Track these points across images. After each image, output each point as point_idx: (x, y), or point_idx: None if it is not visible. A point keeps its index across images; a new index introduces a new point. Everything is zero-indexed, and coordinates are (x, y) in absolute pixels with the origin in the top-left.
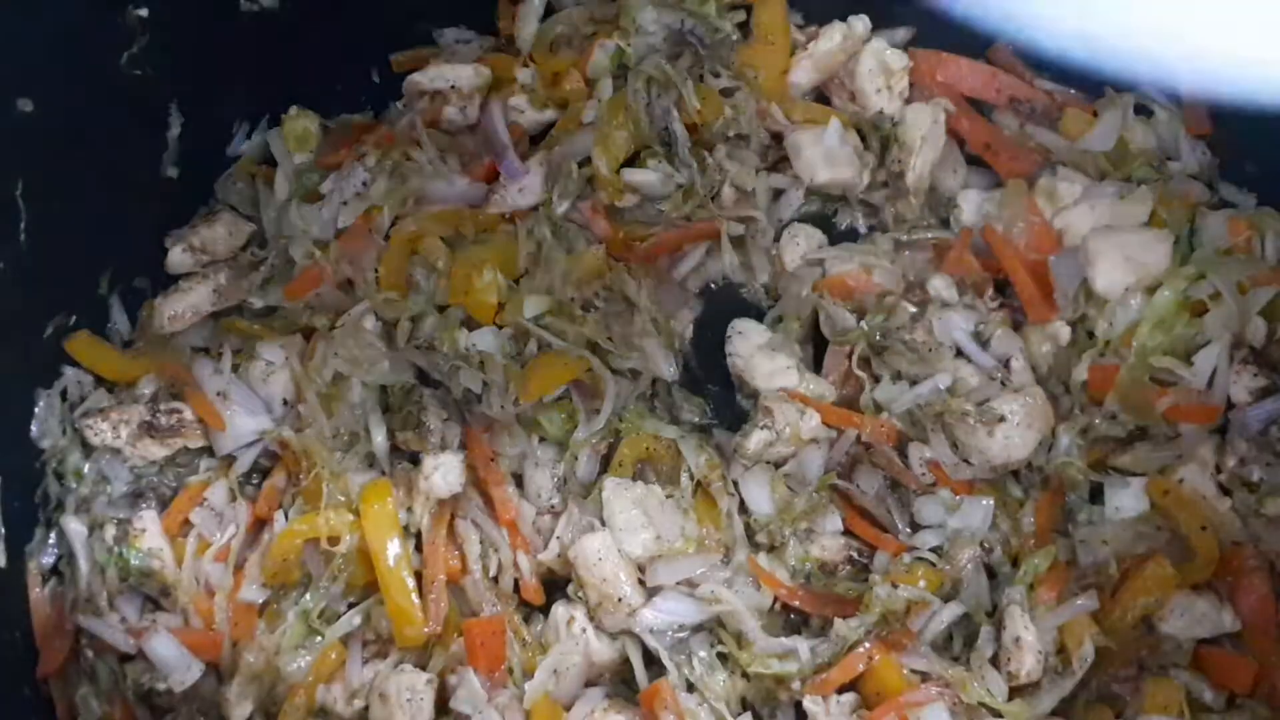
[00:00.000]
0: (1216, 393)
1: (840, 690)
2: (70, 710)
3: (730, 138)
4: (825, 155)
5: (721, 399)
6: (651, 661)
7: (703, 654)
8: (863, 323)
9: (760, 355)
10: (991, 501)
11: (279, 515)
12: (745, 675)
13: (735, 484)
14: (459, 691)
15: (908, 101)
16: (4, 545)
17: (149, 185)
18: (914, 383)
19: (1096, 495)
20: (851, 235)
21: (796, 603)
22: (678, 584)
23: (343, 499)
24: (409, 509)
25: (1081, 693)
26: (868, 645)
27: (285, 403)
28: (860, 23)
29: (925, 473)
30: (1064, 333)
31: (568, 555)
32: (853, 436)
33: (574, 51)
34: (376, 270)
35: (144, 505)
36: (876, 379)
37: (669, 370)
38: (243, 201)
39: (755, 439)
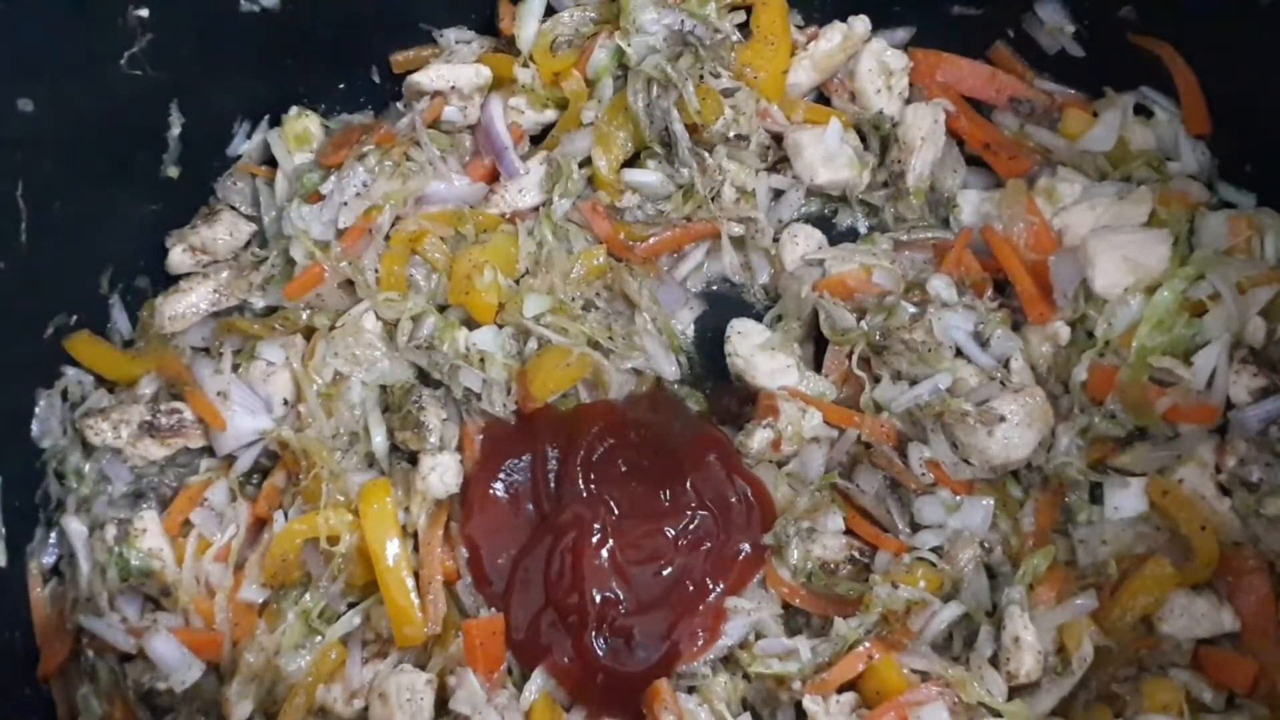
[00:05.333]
0: (1216, 393)
1: (840, 690)
2: (70, 710)
3: (730, 138)
4: (825, 155)
5: (722, 397)
6: None
7: None
8: (863, 323)
9: (760, 354)
10: (991, 501)
11: (279, 515)
12: (746, 676)
13: None
14: (458, 692)
15: (908, 101)
16: (4, 545)
17: (149, 185)
18: (914, 383)
19: (1096, 495)
20: (851, 235)
21: (798, 602)
22: None
23: (342, 499)
24: (406, 509)
25: (1081, 693)
26: (868, 645)
27: (285, 403)
28: (860, 23)
29: (925, 473)
30: (1064, 333)
31: None
32: (853, 436)
33: (574, 51)
34: (376, 270)
35: (144, 505)
36: (876, 379)
37: (671, 369)
38: (243, 201)
39: (758, 437)
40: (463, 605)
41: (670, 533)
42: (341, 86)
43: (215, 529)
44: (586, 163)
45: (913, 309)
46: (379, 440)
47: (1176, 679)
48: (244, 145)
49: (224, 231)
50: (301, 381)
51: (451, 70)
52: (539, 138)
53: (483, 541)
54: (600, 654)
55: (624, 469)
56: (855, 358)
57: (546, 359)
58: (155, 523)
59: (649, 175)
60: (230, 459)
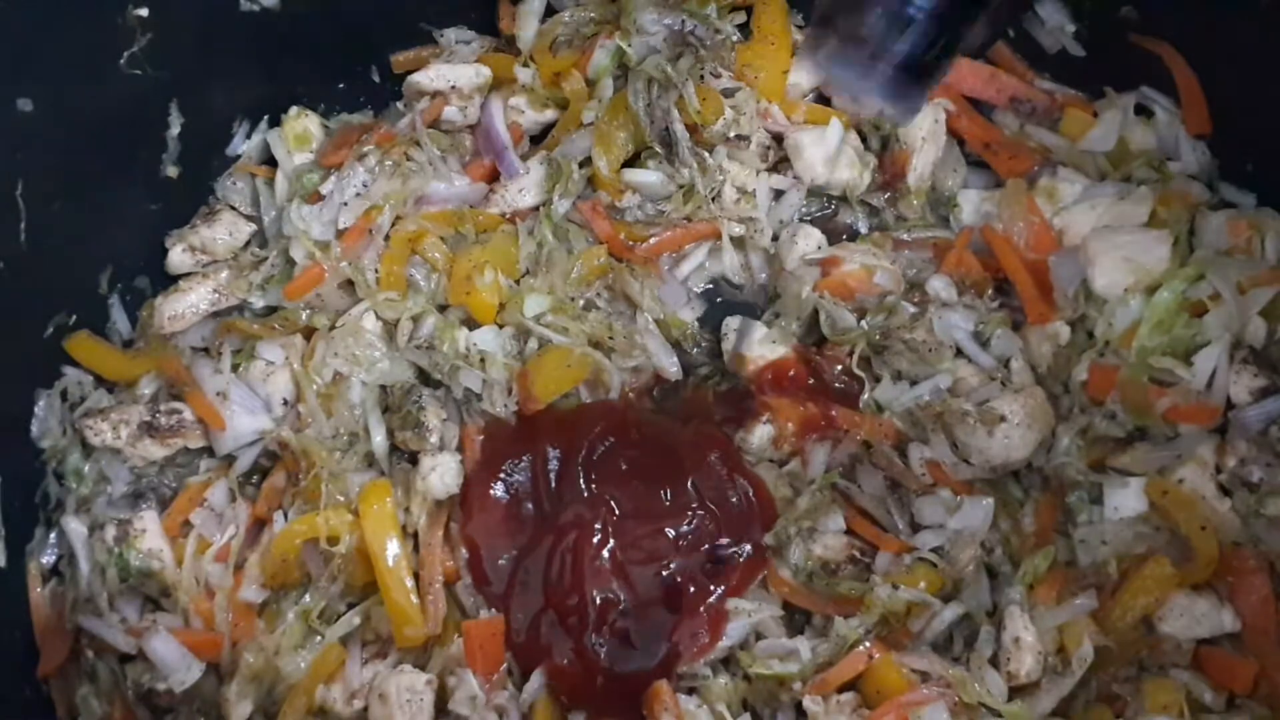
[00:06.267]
0: (1216, 393)
1: (841, 690)
2: (70, 710)
3: (731, 138)
4: (826, 156)
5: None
6: None
7: None
8: (863, 323)
9: (758, 350)
10: (991, 501)
11: (279, 515)
12: (746, 677)
13: None
14: (458, 693)
15: None
16: (4, 545)
17: (149, 185)
18: (914, 383)
19: (1097, 495)
20: (851, 235)
21: (799, 602)
22: None
23: (342, 499)
24: (406, 509)
25: (1081, 693)
26: (868, 645)
27: (285, 403)
28: None
29: (925, 473)
30: (1064, 333)
31: None
32: (854, 436)
33: (574, 51)
34: (376, 270)
35: (144, 506)
36: (877, 379)
37: (673, 368)
38: (243, 201)
39: (759, 433)
40: (463, 606)
41: (671, 533)
42: (341, 86)
43: (215, 529)
44: (586, 163)
45: (913, 309)
46: (379, 440)
47: (1177, 679)
48: (244, 145)
49: (224, 231)
50: (301, 381)
51: (451, 70)
52: (539, 138)
53: (483, 542)
54: (600, 655)
55: (625, 468)
56: (855, 358)
57: (548, 360)
58: (155, 523)
59: (649, 175)
60: (230, 459)
